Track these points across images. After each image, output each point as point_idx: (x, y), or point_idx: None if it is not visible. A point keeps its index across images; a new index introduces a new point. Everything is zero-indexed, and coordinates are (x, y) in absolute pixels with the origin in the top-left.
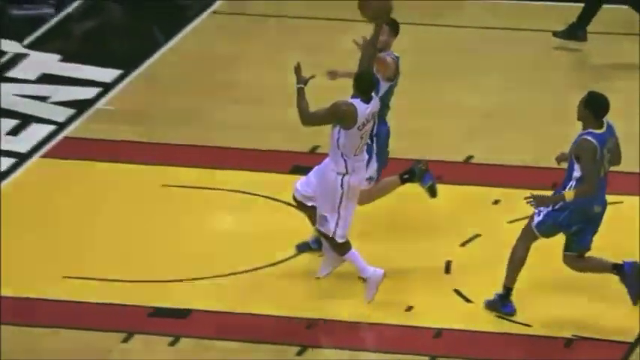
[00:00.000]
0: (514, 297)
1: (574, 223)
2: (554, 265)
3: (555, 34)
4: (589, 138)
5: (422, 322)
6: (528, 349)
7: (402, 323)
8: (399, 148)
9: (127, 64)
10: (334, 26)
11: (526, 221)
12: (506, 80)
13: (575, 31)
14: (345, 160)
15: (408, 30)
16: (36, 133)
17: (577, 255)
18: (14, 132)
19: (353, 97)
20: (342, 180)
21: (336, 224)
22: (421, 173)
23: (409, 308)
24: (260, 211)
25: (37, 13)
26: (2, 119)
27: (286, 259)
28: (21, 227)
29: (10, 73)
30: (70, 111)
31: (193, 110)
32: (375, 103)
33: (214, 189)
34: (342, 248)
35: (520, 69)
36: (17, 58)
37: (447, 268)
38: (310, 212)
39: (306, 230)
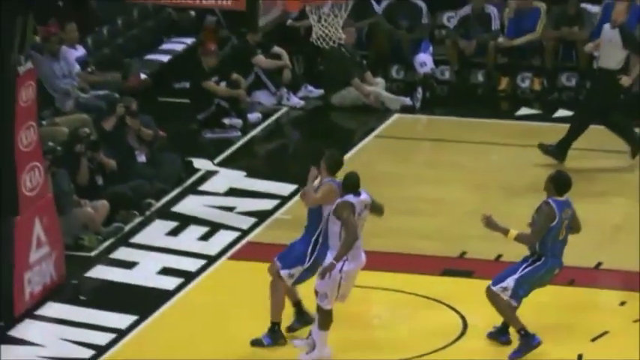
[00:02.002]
0: None
1: (544, 283)
2: None
3: (542, 147)
4: (550, 202)
5: None
6: None
7: None
8: None
9: (301, 179)
10: (479, 148)
11: None
12: (631, 199)
13: (560, 152)
14: None
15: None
16: (223, 238)
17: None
18: (205, 237)
19: (343, 195)
20: (342, 266)
21: (332, 302)
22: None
23: None
24: (416, 308)
25: (226, 136)
26: (195, 226)
27: (446, 346)
28: (209, 320)
29: (203, 187)
30: (253, 219)
31: None
32: (365, 195)
33: (376, 288)
34: (327, 324)
35: None
36: (209, 175)
37: None
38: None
39: (455, 321)
